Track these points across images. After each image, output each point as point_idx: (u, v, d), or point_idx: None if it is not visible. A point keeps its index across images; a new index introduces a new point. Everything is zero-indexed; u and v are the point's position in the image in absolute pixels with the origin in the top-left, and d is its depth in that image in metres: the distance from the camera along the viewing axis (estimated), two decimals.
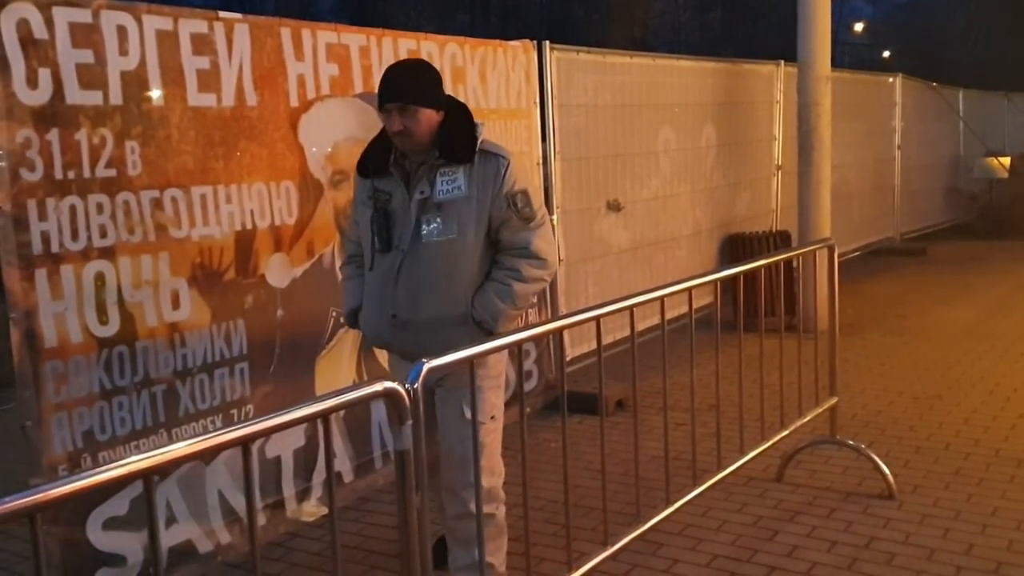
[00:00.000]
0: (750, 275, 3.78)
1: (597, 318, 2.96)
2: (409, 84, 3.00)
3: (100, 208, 3.26)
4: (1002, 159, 12.85)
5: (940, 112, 12.86)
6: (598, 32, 26.07)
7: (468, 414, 2.81)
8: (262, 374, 3.84)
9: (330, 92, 4.12)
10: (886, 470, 4.12)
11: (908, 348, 6.76)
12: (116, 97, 3.29)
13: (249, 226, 3.78)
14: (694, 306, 3.40)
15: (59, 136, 3.13)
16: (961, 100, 13.82)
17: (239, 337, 3.74)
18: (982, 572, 3.38)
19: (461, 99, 3.32)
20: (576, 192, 5.88)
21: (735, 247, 7.65)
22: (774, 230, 8.09)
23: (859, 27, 33.73)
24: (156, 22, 3.42)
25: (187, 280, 3.55)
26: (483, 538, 2.73)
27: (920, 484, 4.20)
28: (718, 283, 3.63)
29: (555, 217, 5.57)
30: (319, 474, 4.03)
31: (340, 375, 4.22)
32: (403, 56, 4.43)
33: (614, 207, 6.25)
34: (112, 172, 3.28)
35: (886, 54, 32.06)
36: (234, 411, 3.73)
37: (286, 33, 3.92)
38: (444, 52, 4.73)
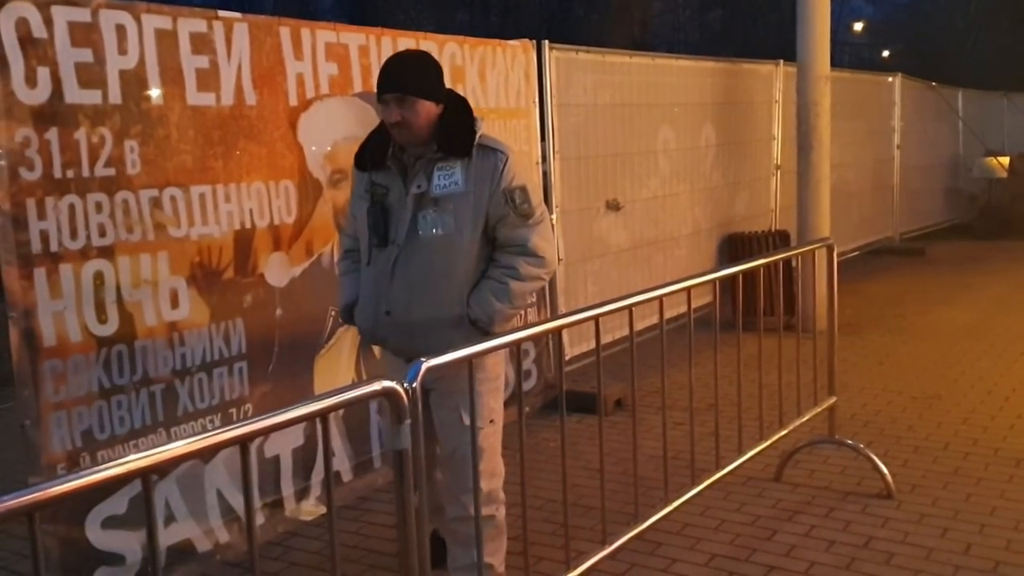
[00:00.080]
0: (749, 275, 3.78)
1: (596, 317, 2.96)
2: (408, 75, 2.95)
3: (99, 207, 3.26)
4: (1001, 159, 12.86)
5: (939, 112, 12.87)
6: (598, 31, 26.07)
7: (467, 419, 2.79)
8: (261, 373, 3.84)
9: (329, 91, 4.12)
10: (885, 470, 4.12)
11: (907, 348, 6.76)
12: (115, 96, 3.29)
13: (248, 225, 3.78)
14: (693, 306, 3.40)
15: (58, 135, 3.13)
16: (960, 100, 13.82)
17: (238, 336, 3.75)
18: (980, 572, 3.38)
19: None
20: (575, 192, 5.88)
21: (734, 247, 7.65)
22: (773, 230, 8.10)
23: (859, 27, 33.73)
24: (155, 21, 3.42)
25: (186, 279, 3.55)
26: (482, 540, 2.73)
27: (919, 484, 4.21)
28: (717, 283, 3.63)
29: (554, 216, 5.57)
30: (318, 473, 4.03)
31: (339, 374, 4.22)
32: None
33: (613, 207, 6.25)
34: (111, 171, 3.29)
35: (886, 54, 32.07)
36: (233, 410, 3.73)
37: (285, 32, 3.92)
38: (443, 51, 4.73)
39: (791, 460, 4.37)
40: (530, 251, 2.99)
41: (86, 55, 3.21)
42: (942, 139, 13.22)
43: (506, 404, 3.25)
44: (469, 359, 2.53)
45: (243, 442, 1.93)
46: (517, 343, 2.73)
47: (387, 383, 2.18)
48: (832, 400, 4.35)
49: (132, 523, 3.29)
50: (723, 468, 3.66)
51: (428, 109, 2.94)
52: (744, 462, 3.78)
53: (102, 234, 3.26)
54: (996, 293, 8.80)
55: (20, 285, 3.06)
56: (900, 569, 3.43)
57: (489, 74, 5.05)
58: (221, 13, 3.69)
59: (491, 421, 3.05)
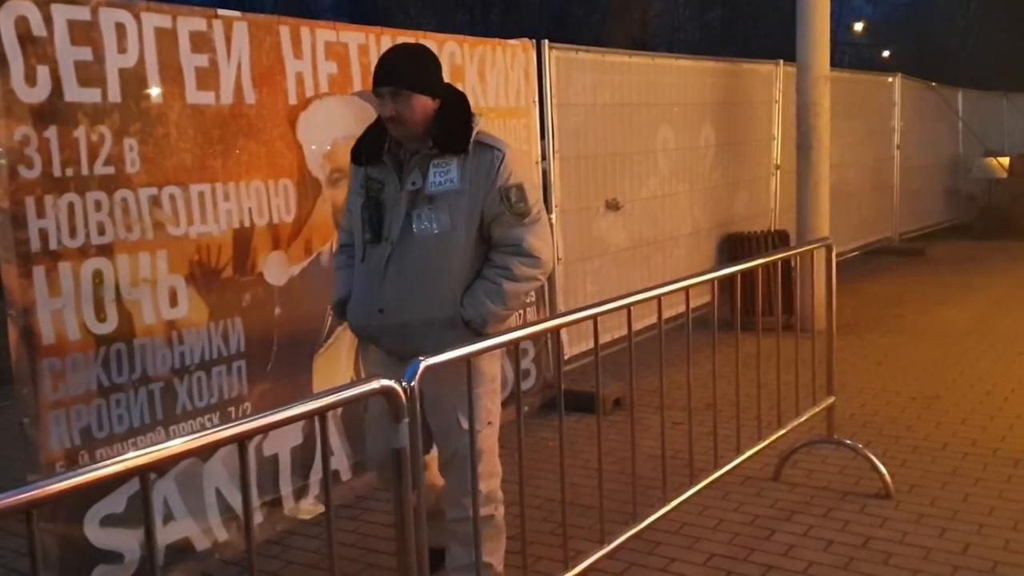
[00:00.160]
0: (748, 274, 3.78)
1: (595, 317, 2.96)
2: (403, 68, 2.89)
3: (98, 205, 3.26)
4: (1001, 159, 12.87)
5: (939, 112, 12.87)
6: (597, 31, 26.05)
7: (464, 423, 2.77)
8: (259, 372, 3.84)
9: (329, 90, 4.12)
10: (883, 470, 4.12)
11: (906, 348, 6.76)
12: (115, 95, 3.29)
13: (247, 224, 3.78)
14: (692, 305, 3.40)
15: (57, 133, 3.13)
16: (960, 100, 13.82)
17: (237, 335, 3.75)
18: (978, 572, 3.38)
19: None
20: (575, 191, 5.89)
21: (733, 246, 7.65)
22: (772, 229, 8.10)
23: (859, 27, 33.73)
24: (155, 20, 3.42)
25: (185, 278, 3.55)
26: (480, 540, 2.72)
27: (917, 484, 4.21)
28: (716, 282, 3.63)
29: (554, 216, 5.57)
30: (316, 472, 4.03)
31: (338, 373, 4.22)
32: None
33: (612, 206, 6.25)
34: (110, 170, 3.29)
35: (886, 54, 32.07)
36: (231, 409, 3.73)
37: (285, 31, 3.92)
38: (443, 50, 4.73)
39: (789, 460, 4.38)
40: (525, 251, 2.92)
41: (86, 53, 3.21)
42: (942, 139, 13.22)
43: (504, 403, 3.25)
44: (467, 358, 2.52)
45: (241, 440, 1.93)
46: (516, 342, 2.73)
47: (385, 382, 2.18)
48: (831, 400, 4.35)
49: (130, 521, 3.29)
50: (721, 468, 3.66)
51: (424, 104, 2.88)
52: (742, 462, 3.79)
53: (101, 232, 3.26)
54: (995, 293, 8.80)
55: (19, 283, 3.06)
56: (898, 569, 3.43)
57: (489, 73, 5.05)
58: (221, 12, 3.69)
59: (489, 423, 3.02)
